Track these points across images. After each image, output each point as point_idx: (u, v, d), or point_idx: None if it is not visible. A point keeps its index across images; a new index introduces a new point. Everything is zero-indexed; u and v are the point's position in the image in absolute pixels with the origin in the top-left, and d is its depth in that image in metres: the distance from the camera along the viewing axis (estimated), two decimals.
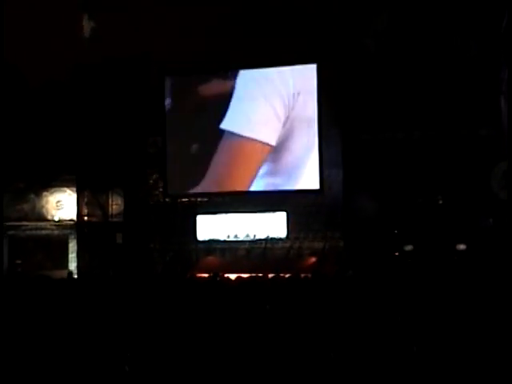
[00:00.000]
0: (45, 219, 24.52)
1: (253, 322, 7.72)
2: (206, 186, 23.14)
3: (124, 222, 23.86)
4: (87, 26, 22.55)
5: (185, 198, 23.89)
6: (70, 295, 10.68)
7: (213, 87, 23.18)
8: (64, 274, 21.38)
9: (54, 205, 24.55)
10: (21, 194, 24.12)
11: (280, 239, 22.53)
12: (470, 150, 20.33)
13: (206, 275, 15.45)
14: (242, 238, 22.84)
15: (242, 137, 22.62)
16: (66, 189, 24.41)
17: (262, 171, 22.55)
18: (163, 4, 21.86)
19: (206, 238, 23.14)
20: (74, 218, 24.12)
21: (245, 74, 23.01)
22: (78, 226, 24.01)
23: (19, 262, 23.37)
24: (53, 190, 24.54)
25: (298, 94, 22.24)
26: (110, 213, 24.14)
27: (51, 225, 24.59)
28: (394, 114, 20.97)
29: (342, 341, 6.88)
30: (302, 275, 13.07)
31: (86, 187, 24.02)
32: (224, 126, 22.81)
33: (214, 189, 23.23)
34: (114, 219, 24.06)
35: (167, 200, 24.01)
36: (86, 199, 24.11)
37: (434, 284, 10.75)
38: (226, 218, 23.01)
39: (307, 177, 22.31)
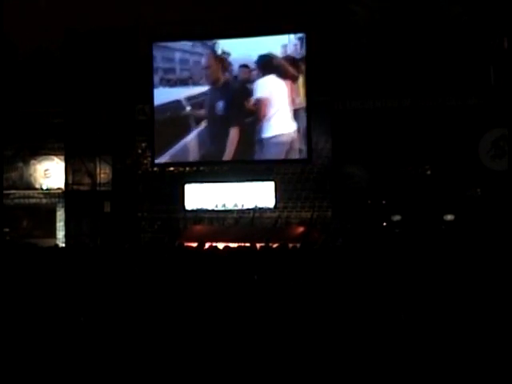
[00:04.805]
0: (33, 188, 24.47)
1: (240, 292, 7.73)
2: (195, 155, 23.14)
3: (112, 191, 23.78)
4: None
5: (173, 167, 23.83)
6: (58, 263, 10.66)
7: (200, 55, 23.08)
8: (52, 242, 21.43)
9: (42, 173, 24.48)
10: (9, 162, 24.00)
11: (268, 209, 22.54)
12: (459, 119, 20.30)
13: (194, 244, 15.47)
14: (230, 207, 22.82)
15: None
16: (53, 157, 24.32)
17: (250, 140, 22.53)
18: None
19: (194, 207, 23.10)
20: (62, 186, 24.05)
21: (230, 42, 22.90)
22: (66, 195, 23.94)
23: (7, 230, 23.30)
24: (41, 158, 24.46)
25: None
26: (98, 181, 24.05)
27: (39, 193, 24.55)
28: (383, 83, 20.88)
29: (331, 311, 6.90)
30: (291, 245, 13.08)
31: (74, 155, 23.88)
32: None
33: (202, 158, 23.19)
34: (102, 188, 23.98)
35: (155, 169, 23.92)
36: (73, 168, 23.99)
37: (421, 254, 10.79)
38: (214, 187, 22.96)
39: (295, 146, 22.31)
